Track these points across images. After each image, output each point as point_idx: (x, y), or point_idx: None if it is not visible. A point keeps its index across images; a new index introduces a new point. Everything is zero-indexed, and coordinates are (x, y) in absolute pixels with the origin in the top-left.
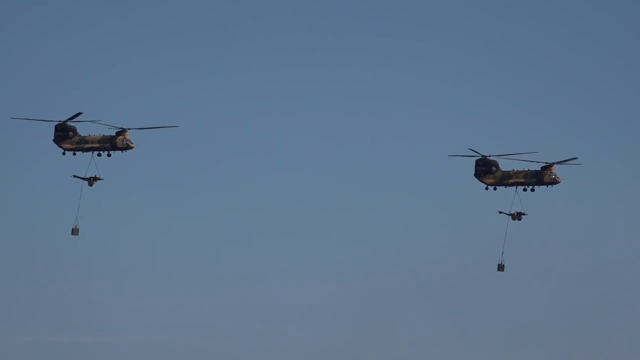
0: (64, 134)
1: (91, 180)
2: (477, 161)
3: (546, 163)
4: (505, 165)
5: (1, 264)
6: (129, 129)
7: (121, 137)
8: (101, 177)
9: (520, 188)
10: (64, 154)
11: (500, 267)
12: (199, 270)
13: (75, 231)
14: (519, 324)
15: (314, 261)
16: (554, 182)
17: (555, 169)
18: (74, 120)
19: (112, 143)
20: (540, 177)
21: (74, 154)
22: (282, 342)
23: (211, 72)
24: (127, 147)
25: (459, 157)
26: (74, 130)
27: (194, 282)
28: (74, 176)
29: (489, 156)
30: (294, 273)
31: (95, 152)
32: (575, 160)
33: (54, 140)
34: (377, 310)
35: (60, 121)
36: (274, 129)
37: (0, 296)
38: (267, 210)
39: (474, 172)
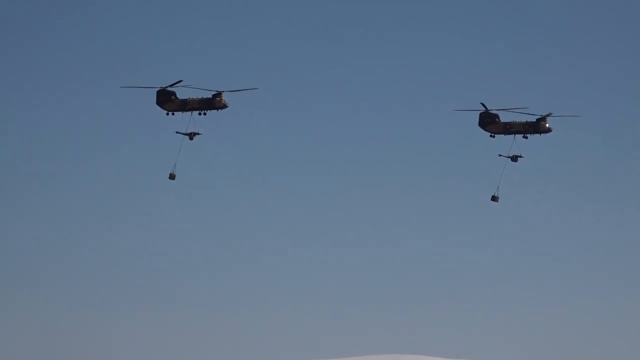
0: (166, 98)
1: (192, 135)
2: (481, 114)
3: (541, 116)
4: (504, 118)
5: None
6: (222, 91)
7: (219, 98)
8: (199, 132)
9: (519, 136)
10: (167, 114)
11: (494, 198)
12: None
13: (172, 176)
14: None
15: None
16: (548, 131)
17: (548, 120)
18: (174, 86)
19: (211, 104)
20: (536, 127)
21: (173, 114)
22: None
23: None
24: (224, 107)
25: (464, 111)
26: (174, 94)
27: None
28: (177, 132)
29: (491, 110)
30: None
31: (195, 112)
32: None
33: (157, 103)
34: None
35: (161, 87)
36: None
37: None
38: None
39: (478, 123)
